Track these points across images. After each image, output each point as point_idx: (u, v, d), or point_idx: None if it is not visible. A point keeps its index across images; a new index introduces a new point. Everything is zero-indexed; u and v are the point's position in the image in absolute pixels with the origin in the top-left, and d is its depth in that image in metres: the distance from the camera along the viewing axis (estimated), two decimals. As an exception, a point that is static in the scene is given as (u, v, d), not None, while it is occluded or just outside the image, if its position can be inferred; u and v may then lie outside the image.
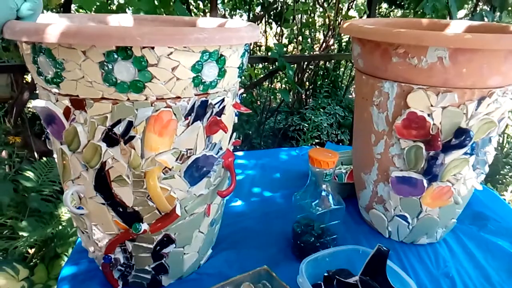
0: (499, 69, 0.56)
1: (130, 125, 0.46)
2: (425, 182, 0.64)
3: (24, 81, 1.96)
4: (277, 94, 2.95)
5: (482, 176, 0.68)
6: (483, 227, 0.81)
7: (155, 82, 0.44)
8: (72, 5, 1.66)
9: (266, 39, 2.91)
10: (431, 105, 0.59)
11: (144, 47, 0.41)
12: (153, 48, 0.42)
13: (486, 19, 2.08)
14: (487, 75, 0.56)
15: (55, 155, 0.55)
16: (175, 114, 0.47)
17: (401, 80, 0.61)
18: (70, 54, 0.42)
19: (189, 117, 0.49)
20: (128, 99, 0.44)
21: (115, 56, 0.42)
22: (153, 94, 0.45)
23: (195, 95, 0.48)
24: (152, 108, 0.45)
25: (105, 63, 0.42)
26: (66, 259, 1.25)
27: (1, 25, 0.45)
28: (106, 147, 0.47)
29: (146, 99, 0.45)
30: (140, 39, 0.40)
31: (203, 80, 0.47)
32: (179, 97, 0.47)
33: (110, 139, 0.46)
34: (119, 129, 0.46)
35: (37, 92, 0.50)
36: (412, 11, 2.82)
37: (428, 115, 0.59)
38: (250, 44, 0.53)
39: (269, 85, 2.90)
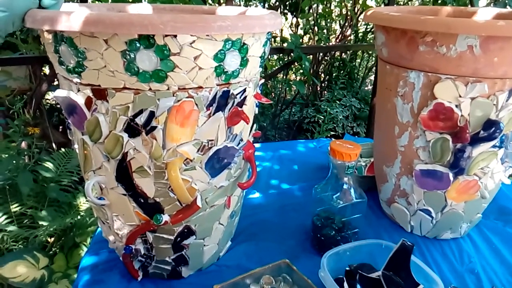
0: (533, 58, 0.54)
1: (151, 115, 0.45)
2: (451, 175, 0.62)
3: (42, 73, 1.98)
4: (292, 85, 2.93)
5: (510, 170, 0.66)
6: (509, 222, 0.79)
7: (177, 71, 0.43)
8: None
9: (281, 30, 2.87)
10: (460, 96, 0.57)
11: (166, 36, 0.41)
12: (175, 36, 0.41)
13: (509, 7, 2.01)
14: (520, 64, 0.54)
15: (76, 146, 0.55)
16: (196, 105, 0.46)
17: (428, 70, 0.59)
18: (92, 43, 0.41)
19: (211, 108, 0.48)
20: (150, 89, 0.44)
21: (137, 44, 0.41)
22: (175, 84, 0.44)
23: (217, 85, 0.47)
24: (174, 98, 0.44)
25: (127, 52, 0.41)
26: (84, 248, 1.27)
27: (23, 14, 0.44)
28: (127, 137, 0.46)
29: (168, 89, 0.44)
30: (163, 26, 0.39)
31: (225, 70, 0.46)
32: (201, 87, 0.46)
33: (132, 130, 0.46)
34: (140, 120, 0.45)
35: (55, 83, 0.50)
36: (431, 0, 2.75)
37: (456, 106, 0.57)
38: (272, 32, 0.52)
39: (284, 77, 2.87)
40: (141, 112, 0.45)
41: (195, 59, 0.43)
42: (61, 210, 1.40)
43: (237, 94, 0.50)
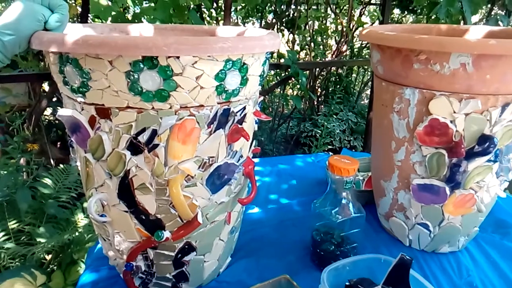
0: (523, 75, 0.55)
1: (154, 133, 0.46)
2: (447, 189, 0.63)
3: (42, 90, 2.00)
4: (289, 100, 2.95)
5: (506, 184, 0.67)
6: (506, 235, 0.80)
7: (179, 91, 0.44)
8: (89, 15, 1.69)
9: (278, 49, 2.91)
10: (454, 112, 0.58)
11: (169, 57, 0.42)
12: (178, 57, 0.42)
13: (501, 23, 2.06)
14: (511, 81, 0.56)
15: (78, 163, 0.55)
16: (198, 123, 0.47)
17: (423, 87, 0.60)
18: (97, 64, 0.43)
19: (212, 125, 0.49)
20: (153, 107, 0.45)
21: (141, 65, 0.42)
22: (177, 102, 0.45)
23: (218, 103, 0.48)
24: (176, 117, 0.46)
25: (131, 72, 0.42)
26: (82, 265, 1.26)
27: (29, 37, 0.46)
28: (130, 155, 0.47)
29: (170, 107, 0.45)
30: (167, 49, 0.40)
31: (226, 89, 0.47)
32: (202, 106, 0.47)
33: (135, 148, 0.47)
34: (143, 138, 0.46)
35: (54, 100, 0.51)
36: (425, 16, 2.81)
37: (451, 121, 0.59)
38: (272, 52, 0.53)
39: (281, 92, 2.90)
40: (143, 130, 0.46)
41: (197, 79, 0.44)
42: (59, 226, 1.39)
43: (237, 112, 0.51)
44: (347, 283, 0.58)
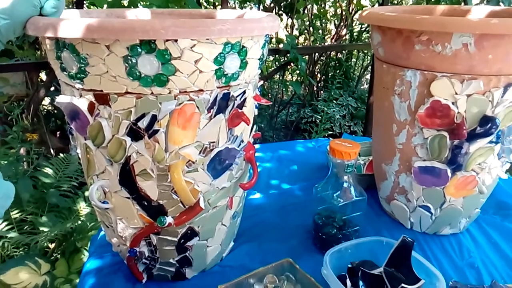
0: (526, 55, 0.55)
1: (154, 119, 0.46)
2: (449, 171, 0.63)
3: (39, 79, 1.98)
4: (289, 86, 2.94)
5: (507, 165, 0.67)
6: (507, 216, 0.80)
7: (178, 75, 0.44)
8: (84, 1, 1.67)
9: (277, 31, 2.88)
10: (456, 93, 0.58)
11: (167, 40, 0.41)
12: (176, 41, 0.42)
13: (502, 4, 2.03)
14: (514, 61, 0.55)
15: (78, 151, 0.55)
16: (198, 107, 0.47)
17: (424, 68, 0.59)
18: (94, 49, 0.42)
19: (212, 110, 0.48)
20: (152, 93, 0.44)
21: (139, 50, 0.41)
22: (177, 87, 0.44)
23: (217, 87, 0.48)
24: (175, 102, 0.45)
25: (129, 57, 0.42)
26: (86, 253, 1.27)
27: (24, 22, 0.45)
28: (130, 141, 0.47)
29: (169, 92, 0.45)
30: (164, 31, 0.40)
31: (225, 72, 0.47)
32: (201, 90, 0.46)
33: (135, 133, 0.46)
34: (143, 123, 0.46)
35: (52, 89, 0.51)
36: (425, -1, 2.77)
37: (453, 103, 0.58)
38: (271, 37, 0.52)
39: (281, 78, 2.88)
40: (143, 116, 0.45)
41: (195, 63, 0.44)
42: (61, 215, 1.40)
43: (237, 96, 0.50)
44: (349, 266, 0.58)
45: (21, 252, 1.28)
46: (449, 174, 0.63)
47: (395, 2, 3.17)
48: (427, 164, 0.64)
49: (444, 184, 0.65)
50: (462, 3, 1.94)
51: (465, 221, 0.72)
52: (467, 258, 0.67)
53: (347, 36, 3.00)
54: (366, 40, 3.06)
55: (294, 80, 3.11)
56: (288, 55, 1.73)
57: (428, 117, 0.61)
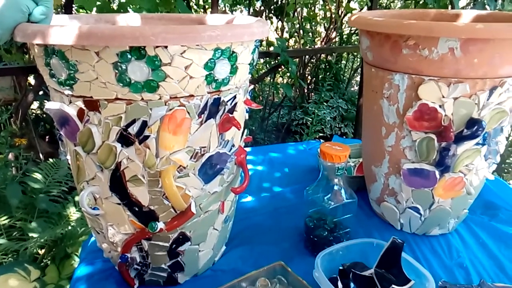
0: (510, 59, 0.56)
1: (144, 124, 0.46)
2: (437, 173, 0.64)
3: (27, 83, 1.96)
4: (280, 88, 2.95)
5: (494, 166, 0.68)
6: (494, 216, 0.81)
7: (168, 81, 0.44)
8: (73, 5, 1.65)
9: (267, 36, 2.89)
10: (443, 96, 0.59)
11: (157, 47, 0.41)
12: (166, 47, 0.42)
13: (488, 7, 2.07)
14: (498, 64, 0.56)
15: (68, 157, 0.55)
16: (188, 113, 0.47)
17: (412, 72, 0.60)
18: (83, 55, 0.42)
19: (202, 115, 0.49)
20: (142, 99, 0.44)
21: (129, 56, 0.41)
22: (167, 93, 0.45)
23: (208, 93, 0.48)
24: (166, 107, 0.45)
25: (118, 63, 0.42)
26: (76, 259, 1.26)
27: (12, 29, 0.45)
28: (121, 147, 0.47)
29: (160, 98, 0.45)
30: (154, 38, 0.40)
31: (215, 78, 0.47)
32: (192, 96, 0.46)
33: (125, 139, 0.46)
34: (133, 129, 0.46)
35: (41, 94, 0.50)
36: (413, 1, 2.81)
37: (440, 106, 0.59)
38: (261, 40, 0.53)
39: (271, 80, 2.89)
40: (133, 122, 0.45)
41: (186, 69, 0.44)
42: (51, 221, 1.38)
43: (227, 101, 0.51)
44: (340, 268, 0.59)
45: (10, 258, 1.26)
46: (437, 176, 0.64)
47: (384, 5, 3.21)
48: (416, 166, 0.65)
49: (432, 186, 0.66)
50: (449, 7, 1.97)
51: (453, 221, 0.73)
52: (456, 258, 0.68)
53: (337, 39, 3.03)
54: (356, 42, 3.09)
55: (285, 82, 3.12)
56: (278, 57, 1.73)
57: (416, 120, 0.62)
